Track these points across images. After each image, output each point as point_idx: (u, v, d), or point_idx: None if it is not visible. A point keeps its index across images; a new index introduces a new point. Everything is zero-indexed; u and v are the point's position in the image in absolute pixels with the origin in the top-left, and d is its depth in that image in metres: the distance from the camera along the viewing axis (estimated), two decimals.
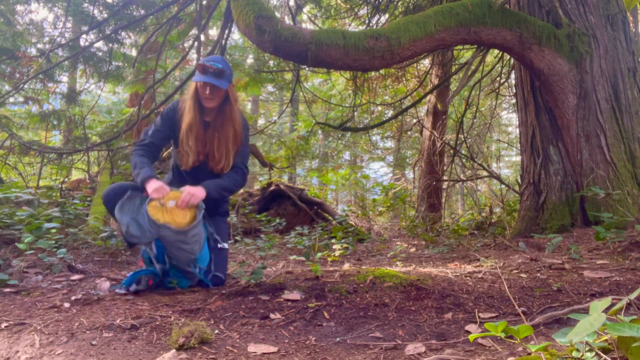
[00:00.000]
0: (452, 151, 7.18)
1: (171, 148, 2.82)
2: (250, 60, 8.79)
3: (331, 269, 2.93)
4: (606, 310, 1.12)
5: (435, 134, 7.77)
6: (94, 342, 1.69)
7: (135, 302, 2.22)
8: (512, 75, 5.90)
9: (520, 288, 2.34)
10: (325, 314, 2.06)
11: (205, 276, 2.49)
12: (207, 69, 2.48)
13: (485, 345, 1.63)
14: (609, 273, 2.46)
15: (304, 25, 7.90)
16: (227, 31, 5.71)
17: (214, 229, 2.66)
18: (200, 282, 2.50)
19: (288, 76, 8.02)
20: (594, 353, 1.14)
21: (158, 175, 2.52)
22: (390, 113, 9.76)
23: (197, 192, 2.43)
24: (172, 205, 2.37)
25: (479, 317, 1.97)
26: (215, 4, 6.07)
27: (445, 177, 8.01)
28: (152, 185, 2.39)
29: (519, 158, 7.23)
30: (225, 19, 5.50)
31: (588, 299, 2.10)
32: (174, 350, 1.56)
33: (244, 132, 2.71)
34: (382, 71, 7.64)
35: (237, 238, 4.42)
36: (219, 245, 2.63)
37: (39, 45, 6.47)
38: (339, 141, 11.01)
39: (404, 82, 8.39)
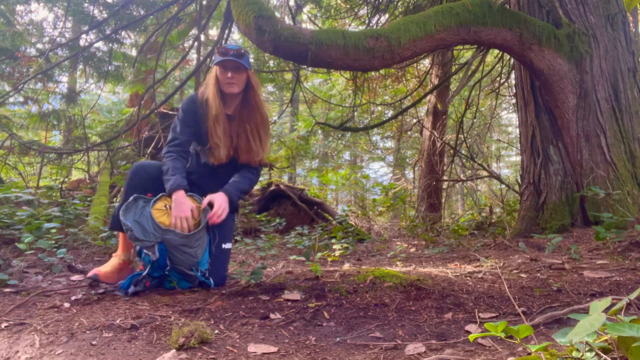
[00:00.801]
0: (452, 151, 7.18)
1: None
2: (250, 60, 8.79)
3: (331, 269, 2.93)
4: (606, 310, 1.12)
5: (435, 134, 7.77)
6: (94, 342, 1.69)
7: (135, 302, 2.22)
8: (512, 75, 5.90)
9: (520, 288, 2.34)
10: (325, 314, 2.06)
11: (206, 278, 2.49)
12: (227, 51, 2.44)
13: (485, 345, 1.63)
14: (609, 273, 2.46)
15: (304, 25, 7.90)
16: (227, 31, 5.71)
17: (218, 228, 2.62)
18: (200, 283, 2.50)
19: (288, 76, 8.03)
20: (594, 353, 1.14)
21: (187, 186, 2.43)
22: (390, 113, 9.76)
23: (224, 204, 2.40)
24: None
25: (479, 317, 1.97)
26: (215, 4, 6.07)
27: (445, 177, 8.01)
28: (178, 200, 2.34)
29: (519, 158, 7.23)
30: (225, 19, 5.50)
31: (588, 299, 2.10)
32: (174, 350, 1.56)
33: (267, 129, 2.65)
34: (382, 71, 7.64)
35: (237, 238, 4.43)
36: (223, 246, 2.61)
37: (39, 45, 6.48)
38: (339, 141, 11.02)
39: (404, 82, 8.39)
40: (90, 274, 2.31)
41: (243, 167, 2.64)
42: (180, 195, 2.35)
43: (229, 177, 2.61)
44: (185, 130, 2.53)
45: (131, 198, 2.37)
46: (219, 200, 2.40)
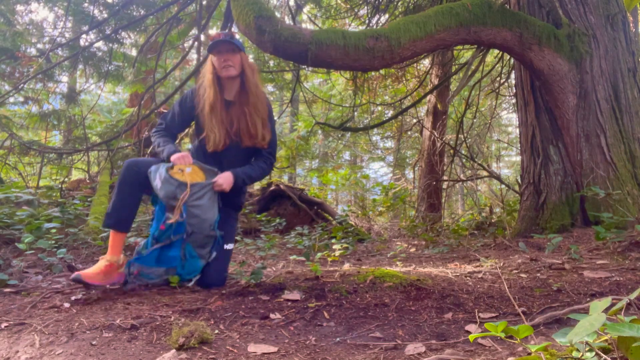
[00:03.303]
0: (452, 151, 7.18)
1: (192, 135, 2.84)
2: (250, 60, 8.77)
3: (331, 269, 2.93)
4: (606, 310, 1.12)
5: (435, 134, 7.77)
6: (94, 342, 1.69)
7: (135, 302, 2.22)
8: (512, 75, 5.90)
9: (520, 288, 2.34)
10: (325, 314, 2.06)
11: (205, 276, 2.49)
12: (218, 35, 2.54)
13: (485, 345, 1.63)
14: (609, 273, 2.46)
15: (304, 25, 7.90)
16: (227, 31, 5.70)
17: (221, 226, 2.62)
18: (200, 281, 2.50)
19: (288, 76, 8.03)
20: (594, 353, 1.14)
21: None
22: (390, 113, 9.76)
23: (228, 180, 2.50)
24: (189, 171, 2.45)
25: (479, 317, 1.97)
26: (215, 4, 6.07)
27: (445, 177, 8.01)
28: (178, 155, 2.45)
29: (519, 158, 7.23)
30: (225, 19, 5.50)
31: (588, 299, 2.10)
32: (174, 350, 1.56)
33: (269, 114, 2.69)
34: (382, 71, 7.64)
35: (237, 238, 4.42)
36: (225, 247, 2.62)
37: (39, 45, 6.48)
38: (339, 141, 11.01)
39: (404, 82, 8.39)
40: (72, 276, 2.24)
41: (256, 154, 2.70)
42: (177, 154, 2.46)
43: (236, 165, 2.64)
44: (175, 119, 2.63)
45: (153, 166, 2.42)
46: (223, 177, 2.50)
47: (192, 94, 2.64)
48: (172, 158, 2.44)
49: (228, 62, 2.51)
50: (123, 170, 2.48)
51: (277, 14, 4.79)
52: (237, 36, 2.66)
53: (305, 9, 6.96)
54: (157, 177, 2.38)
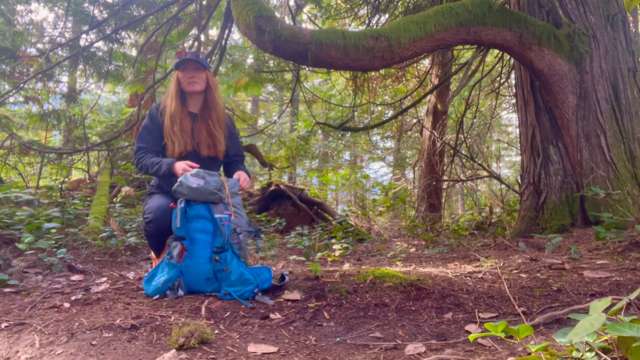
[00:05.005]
0: (452, 151, 7.18)
1: None
2: (250, 60, 8.78)
3: (331, 269, 2.93)
4: (606, 310, 1.12)
5: (435, 134, 7.77)
6: (94, 342, 1.69)
7: (135, 302, 2.22)
8: (512, 75, 5.90)
9: (520, 288, 2.34)
10: (325, 314, 2.06)
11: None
12: (185, 54, 2.68)
13: (485, 345, 1.63)
14: (609, 273, 2.46)
15: (304, 25, 7.90)
16: (227, 31, 5.71)
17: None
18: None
19: (288, 76, 8.02)
20: (594, 353, 1.14)
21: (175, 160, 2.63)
22: (390, 113, 9.76)
23: (248, 179, 2.69)
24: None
25: (479, 317, 1.97)
26: (215, 4, 6.07)
27: (445, 177, 8.01)
28: (181, 166, 2.49)
29: (519, 158, 7.23)
30: (225, 19, 5.50)
31: (588, 299, 2.10)
32: (174, 350, 1.56)
33: (232, 123, 2.88)
34: (382, 71, 7.63)
35: None
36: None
37: (39, 45, 6.47)
38: (339, 141, 11.00)
39: (404, 82, 8.39)
40: None
41: (230, 161, 2.86)
42: (178, 164, 2.52)
43: None
44: (148, 137, 2.72)
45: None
46: (244, 175, 2.68)
47: (157, 109, 2.73)
48: (180, 172, 2.47)
49: (194, 78, 2.66)
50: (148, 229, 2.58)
51: (277, 14, 4.79)
52: (203, 55, 2.79)
53: (305, 9, 6.95)
54: (193, 180, 2.40)
